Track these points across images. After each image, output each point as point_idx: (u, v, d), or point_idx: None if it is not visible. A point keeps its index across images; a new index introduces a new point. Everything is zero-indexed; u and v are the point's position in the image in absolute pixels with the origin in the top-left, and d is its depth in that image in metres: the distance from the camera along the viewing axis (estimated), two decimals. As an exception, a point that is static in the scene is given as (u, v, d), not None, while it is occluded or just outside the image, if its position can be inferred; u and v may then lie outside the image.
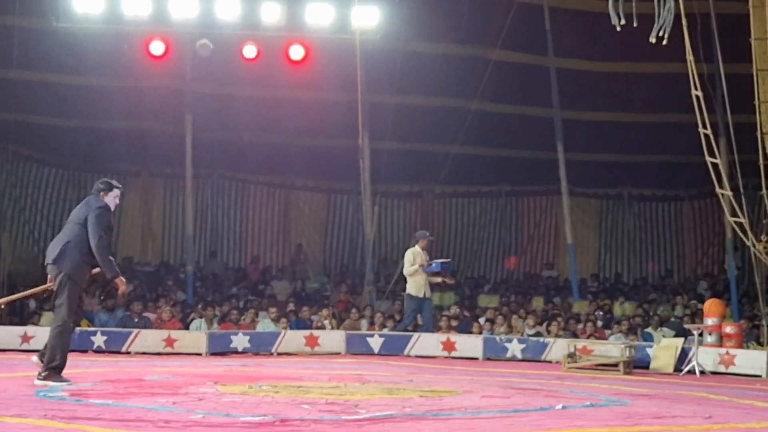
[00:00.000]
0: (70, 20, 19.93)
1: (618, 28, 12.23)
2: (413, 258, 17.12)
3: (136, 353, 16.24)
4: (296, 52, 20.60)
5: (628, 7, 13.86)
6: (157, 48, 20.34)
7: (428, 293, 17.35)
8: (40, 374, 9.81)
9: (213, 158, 23.74)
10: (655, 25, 12.05)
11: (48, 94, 21.95)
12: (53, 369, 9.82)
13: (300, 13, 20.31)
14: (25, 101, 21.33)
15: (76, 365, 13.09)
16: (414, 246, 17.43)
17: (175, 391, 9.21)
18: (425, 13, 21.87)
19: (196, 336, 17.14)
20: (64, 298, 9.92)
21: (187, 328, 18.14)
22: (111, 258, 10.42)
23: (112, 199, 10.55)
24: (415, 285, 17.12)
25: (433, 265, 17.36)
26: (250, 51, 20.49)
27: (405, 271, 17.17)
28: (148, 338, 16.73)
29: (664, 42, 12.41)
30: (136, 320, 18.19)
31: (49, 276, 10.18)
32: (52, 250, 10.11)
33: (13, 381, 10.25)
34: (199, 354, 16.45)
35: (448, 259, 18.61)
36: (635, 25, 12.33)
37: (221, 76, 21.81)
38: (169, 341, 16.68)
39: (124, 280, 10.49)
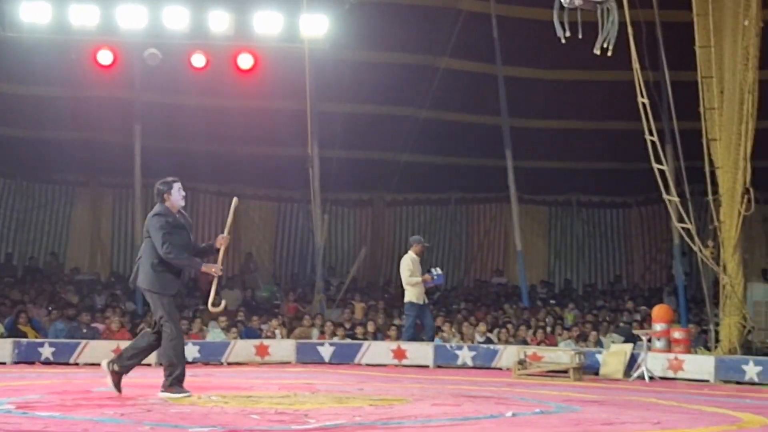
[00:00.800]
0: (17, 29, 19.76)
1: (563, 40, 12.26)
2: (412, 266, 16.79)
3: (85, 364, 16.05)
4: (245, 61, 20.52)
5: (573, 17, 13.97)
6: (104, 57, 20.18)
7: (426, 299, 17.15)
8: (163, 386, 9.85)
9: (162, 167, 23.40)
10: (599, 37, 12.11)
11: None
12: (175, 379, 9.83)
13: (248, 21, 20.26)
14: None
15: (23, 377, 12.94)
16: (408, 252, 17.10)
17: (124, 402, 9.10)
18: (374, 22, 21.89)
19: (146, 346, 16.96)
20: (162, 312, 9.89)
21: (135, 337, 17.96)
22: (185, 257, 10.29)
23: (176, 195, 10.51)
24: (416, 292, 16.76)
25: (435, 278, 17.18)
26: (198, 60, 20.39)
27: (406, 282, 16.74)
28: (96, 349, 16.50)
29: (609, 53, 12.48)
30: (84, 331, 17.98)
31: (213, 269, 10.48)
32: (134, 272, 10.21)
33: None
34: (149, 365, 16.27)
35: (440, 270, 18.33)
36: (580, 36, 12.40)
37: (170, 85, 21.66)
38: (118, 351, 16.48)
39: (211, 267, 10.55)
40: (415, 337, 17.10)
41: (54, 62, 20.67)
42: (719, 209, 16.63)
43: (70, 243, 24.42)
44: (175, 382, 9.81)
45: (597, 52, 12.27)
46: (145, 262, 10.03)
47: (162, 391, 9.78)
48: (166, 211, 10.34)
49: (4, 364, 15.79)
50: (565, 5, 11.81)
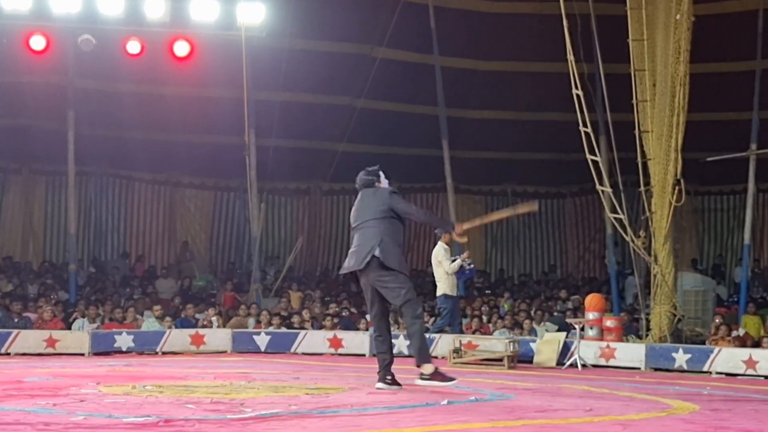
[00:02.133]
0: (-54, 13, 19.38)
1: None
2: (445, 254, 16.53)
3: (16, 354, 15.87)
4: (181, 48, 20.32)
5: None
6: (37, 43, 19.84)
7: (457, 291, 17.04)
8: (422, 375, 9.71)
9: (96, 155, 23.27)
10: None
11: None
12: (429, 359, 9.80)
13: (184, 8, 20.06)
14: None
15: (-48, 368, 12.74)
16: (438, 243, 16.79)
17: (56, 392, 8.99)
18: (311, 11, 21.87)
19: (79, 336, 16.84)
20: (410, 293, 9.67)
21: (69, 327, 17.80)
22: (437, 217, 10.23)
23: (385, 182, 10.21)
24: (451, 284, 16.59)
25: (467, 271, 17.14)
26: (133, 47, 20.15)
27: (448, 270, 16.40)
28: (28, 339, 16.37)
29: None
30: (16, 320, 17.77)
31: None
32: (359, 257, 9.70)
33: None
34: (82, 354, 16.15)
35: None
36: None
37: (104, 71, 21.42)
38: (51, 342, 16.35)
39: (461, 225, 10.24)
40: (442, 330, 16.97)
41: (-16, 48, 20.36)
42: (651, 200, 16.88)
43: (2, 231, 24.05)
44: (430, 364, 9.77)
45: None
46: (390, 242, 9.63)
47: (424, 378, 9.71)
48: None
49: (-67, 354, 15.56)
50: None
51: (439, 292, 16.80)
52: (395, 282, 9.65)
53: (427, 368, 9.81)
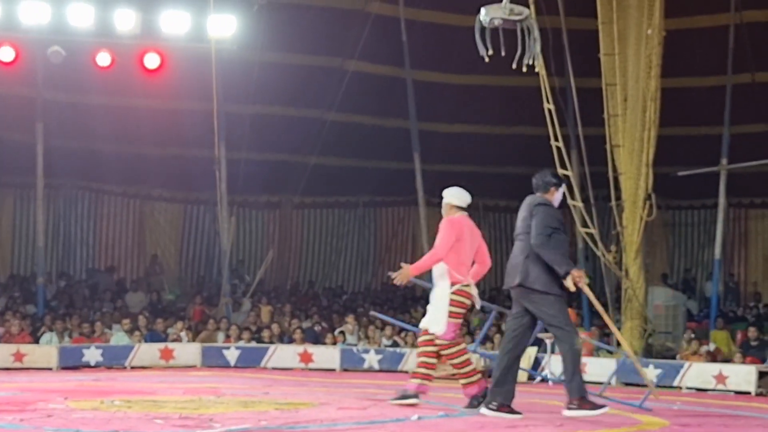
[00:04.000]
0: None
1: (486, 59, 12.39)
2: None
3: (-17, 369, 15.76)
4: (151, 61, 20.28)
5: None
6: (5, 54, 19.75)
7: None
8: (571, 405, 8.82)
9: (66, 168, 23.16)
10: (523, 53, 12.26)
11: None
12: (583, 391, 8.84)
13: (155, 20, 20.05)
14: None
15: None
16: None
17: (23, 407, 8.95)
18: (282, 23, 21.86)
19: (47, 350, 16.75)
20: (561, 317, 8.96)
21: (37, 342, 17.69)
22: (560, 254, 8.95)
23: (558, 196, 9.38)
24: None
25: None
26: (103, 59, 20.09)
27: None
28: (-5, 353, 16.27)
29: (536, 69, 12.65)
30: (-18, 335, 17.66)
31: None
32: (513, 273, 9.12)
33: None
34: (50, 369, 16.05)
35: None
36: (503, 54, 12.53)
37: (74, 83, 21.32)
38: (18, 356, 16.26)
39: (577, 272, 8.89)
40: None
41: (-48, 59, 20.25)
42: (622, 214, 16.96)
43: (-31, 244, 23.94)
44: (585, 395, 8.83)
45: (515, 66, 12.41)
46: (536, 260, 8.90)
47: (570, 410, 8.83)
48: (551, 204, 9.26)
49: None
50: (486, 25, 11.90)
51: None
52: (545, 304, 9.02)
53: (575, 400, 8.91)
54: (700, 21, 21.77)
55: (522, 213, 9.30)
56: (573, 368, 8.88)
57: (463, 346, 9.99)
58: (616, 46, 16.72)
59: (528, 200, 9.32)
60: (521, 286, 9.01)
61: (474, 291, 9.88)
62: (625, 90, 16.83)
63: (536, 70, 12.43)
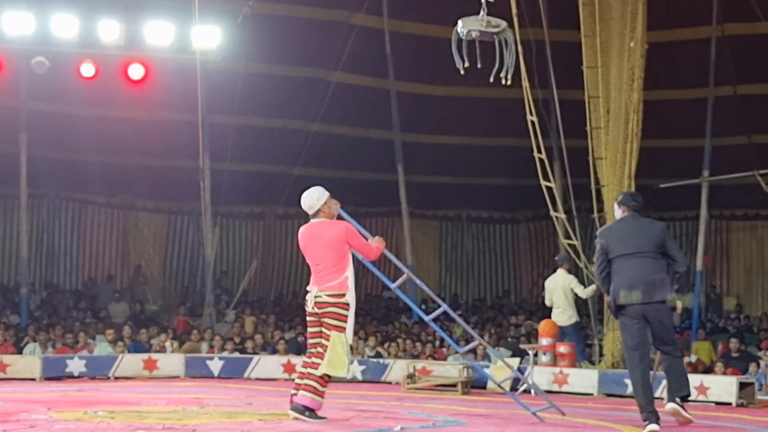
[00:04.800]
0: None
1: (462, 71, 12.42)
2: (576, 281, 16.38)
3: (-34, 379, 15.68)
4: (135, 71, 20.24)
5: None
6: (-10, 65, 19.79)
7: None
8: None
9: (50, 178, 23.14)
10: (498, 66, 12.31)
11: None
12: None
13: (139, 31, 20.02)
14: None
15: None
16: (560, 271, 16.65)
17: (6, 418, 8.91)
18: (267, 35, 21.89)
19: (30, 360, 16.66)
20: (673, 332, 9.45)
21: (20, 352, 17.62)
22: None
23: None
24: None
25: None
26: (87, 69, 20.05)
27: (584, 294, 16.36)
28: (-22, 363, 16.19)
29: (508, 83, 12.65)
30: (-35, 345, 17.58)
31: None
32: (651, 290, 9.05)
33: None
34: (33, 379, 15.98)
35: None
36: (479, 66, 12.57)
37: (58, 94, 21.32)
38: (1, 366, 16.16)
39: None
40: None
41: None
42: (605, 225, 16.99)
43: (-47, 254, 23.88)
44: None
45: (492, 80, 12.45)
46: (668, 279, 9.12)
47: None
48: None
49: None
50: (463, 37, 11.91)
51: (570, 321, 16.51)
52: (670, 320, 9.52)
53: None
54: (682, 34, 21.91)
55: (642, 230, 9.36)
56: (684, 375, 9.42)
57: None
58: (599, 59, 16.76)
59: (645, 221, 9.55)
60: (663, 302, 9.16)
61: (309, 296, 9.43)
62: (607, 102, 16.87)
63: (508, 83, 12.40)
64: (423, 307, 23.73)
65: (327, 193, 9.87)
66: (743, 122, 22.86)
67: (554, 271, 17.07)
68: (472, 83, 22.82)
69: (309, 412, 8.90)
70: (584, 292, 16.42)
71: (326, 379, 9.10)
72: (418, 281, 10.87)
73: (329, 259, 9.40)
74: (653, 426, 8.75)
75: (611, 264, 9.27)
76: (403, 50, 22.46)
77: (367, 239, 9.74)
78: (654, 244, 9.16)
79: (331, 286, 9.24)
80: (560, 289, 16.33)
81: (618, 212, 9.55)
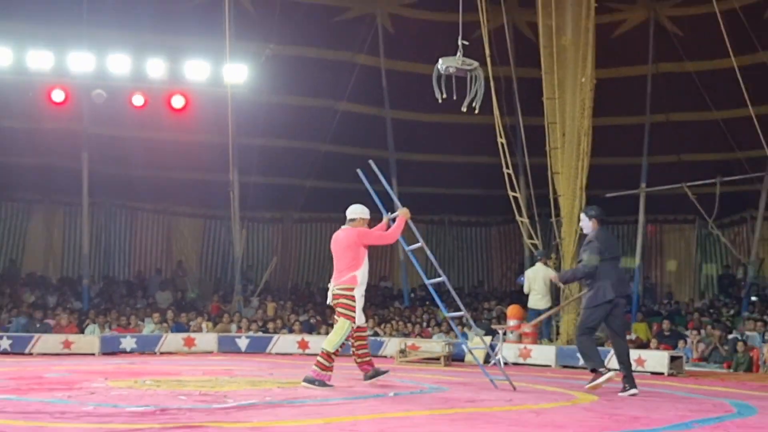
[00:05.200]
0: (-19, 70, 19.28)
1: (440, 101, 12.46)
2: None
3: (38, 354, 15.68)
4: (177, 101, 20.32)
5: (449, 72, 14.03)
6: (57, 96, 19.79)
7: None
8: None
9: (106, 189, 23.12)
10: (468, 97, 12.32)
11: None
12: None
13: (181, 68, 20.11)
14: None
15: (-17, 366, 12.56)
16: (540, 263, 16.42)
17: (71, 386, 8.92)
18: (285, 71, 21.91)
19: (90, 339, 16.68)
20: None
21: (82, 332, 17.63)
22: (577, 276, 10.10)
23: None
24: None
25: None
26: (138, 100, 20.12)
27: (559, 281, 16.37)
28: (48, 341, 16.20)
29: (476, 111, 12.67)
30: (37, 326, 17.57)
31: None
32: (624, 284, 9.93)
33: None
34: (93, 354, 16.00)
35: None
36: (455, 98, 12.60)
37: (113, 120, 21.30)
38: (67, 344, 16.19)
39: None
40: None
41: (13, 99, 20.18)
42: (560, 229, 16.99)
43: (27, 251, 23.83)
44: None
45: (464, 109, 12.46)
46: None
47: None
48: (593, 237, 9.84)
49: (-33, 354, 15.33)
50: (442, 72, 11.97)
51: (546, 305, 16.20)
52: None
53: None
54: (624, 71, 21.96)
55: (613, 239, 10.12)
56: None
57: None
58: (556, 92, 16.78)
59: (608, 231, 10.05)
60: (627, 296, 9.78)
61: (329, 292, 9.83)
62: (563, 127, 16.88)
63: (476, 111, 12.40)
64: (412, 294, 23.98)
65: (366, 213, 10.29)
66: (674, 144, 22.89)
67: (533, 264, 17.08)
68: (454, 112, 22.83)
69: (318, 381, 9.10)
70: (542, 281, 16.36)
71: (332, 356, 9.30)
72: (444, 278, 10.72)
73: (345, 259, 9.75)
74: (611, 373, 9.51)
75: (603, 262, 9.52)
76: (396, 84, 22.48)
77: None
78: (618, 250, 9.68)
79: (343, 281, 9.62)
80: (540, 278, 16.28)
81: (588, 223, 9.74)
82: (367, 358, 9.80)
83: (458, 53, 11.64)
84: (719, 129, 21.71)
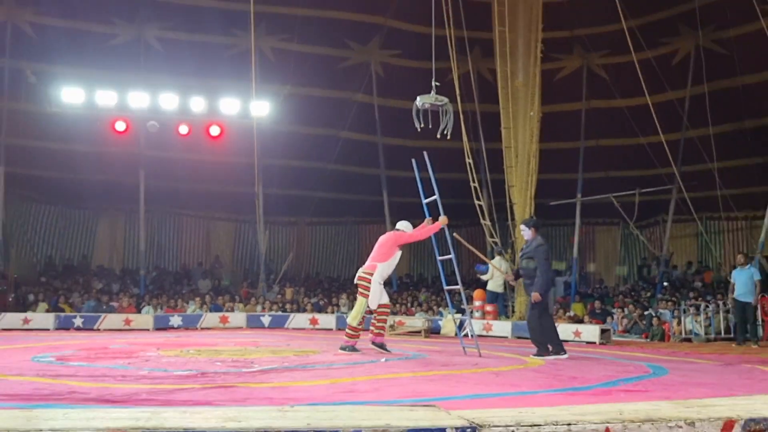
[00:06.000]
0: (60, 106, 19.26)
1: (419, 130, 12.48)
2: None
3: (104, 330, 15.62)
4: (214, 130, 20.33)
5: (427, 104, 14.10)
6: (120, 126, 19.79)
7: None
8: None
9: (158, 199, 23.07)
10: (440, 127, 12.36)
11: (46, 156, 21.05)
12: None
13: (217, 104, 20.12)
14: (31, 161, 20.50)
15: (61, 339, 12.51)
16: (499, 256, 16.44)
17: (130, 355, 8.89)
18: (299, 106, 21.94)
19: (146, 317, 16.65)
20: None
21: (139, 311, 17.57)
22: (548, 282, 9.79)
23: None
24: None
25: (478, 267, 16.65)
26: (183, 129, 20.12)
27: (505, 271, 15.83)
28: (112, 319, 16.16)
29: (448, 137, 12.69)
30: (104, 307, 17.51)
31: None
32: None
33: (14, 351, 9.67)
34: (147, 329, 15.95)
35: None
36: (430, 126, 12.62)
37: (164, 145, 21.27)
38: (127, 321, 16.15)
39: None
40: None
41: (84, 128, 20.15)
42: (515, 230, 17.04)
43: (96, 248, 23.74)
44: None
45: (438, 136, 12.50)
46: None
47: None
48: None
49: (48, 330, 15.25)
50: (419, 107, 12.04)
51: (501, 289, 16.33)
52: None
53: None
54: (564, 107, 22.03)
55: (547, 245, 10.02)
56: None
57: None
58: (511, 122, 16.84)
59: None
60: None
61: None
62: (516, 150, 16.94)
63: (448, 137, 12.44)
64: (399, 281, 23.93)
65: (410, 228, 10.42)
66: (603, 163, 22.96)
67: (493, 257, 17.13)
68: (432, 138, 22.89)
69: (348, 347, 9.46)
70: (505, 269, 16.34)
71: (356, 328, 9.59)
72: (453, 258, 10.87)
73: (377, 252, 9.88)
74: (566, 354, 9.45)
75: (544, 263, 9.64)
76: (386, 117, 22.48)
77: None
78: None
79: (367, 266, 9.78)
80: (498, 269, 16.38)
81: (529, 231, 9.78)
82: (378, 331, 9.72)
83: (432, 92, 11.65)
84: (638, 151, 21.79)
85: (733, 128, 20.11)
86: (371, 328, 9.81)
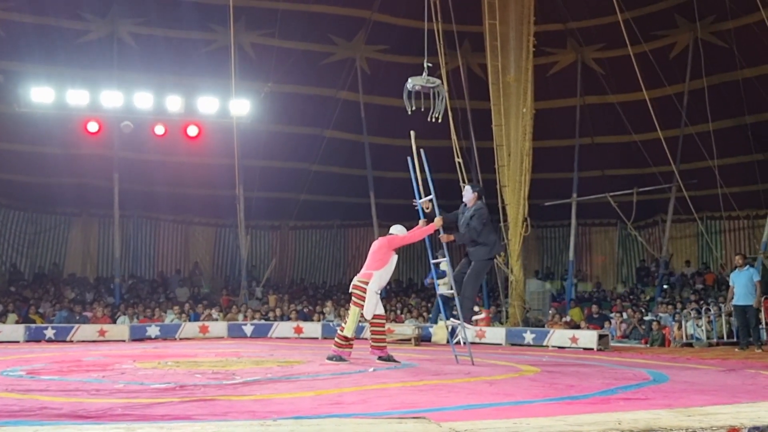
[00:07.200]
0: (29, 107, 19.13)
1: (409, 112, 12.47)
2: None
3: (77, 341, 15.51)
4: (192, 131, 20.25)
5: (417, 104, 14.08)
6: (92, 127, 19.68)
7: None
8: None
9: (133, 203, 22.98)
10: (432, 110, 12.34)
11: (15, 158, 20.91)
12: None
13: (194, 103, 20.04)
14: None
15: (31, 351, 12.40)
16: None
17: (105, 368, 8.81)
18: (281, 105, 21.92)
19: (121, 328, 16.54)
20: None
21: (114, 321, 17.47)
22: (471, 237, 9.90)
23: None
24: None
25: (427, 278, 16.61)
26: (159, 129, 20.04)
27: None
28: (86, 330, 16.04)
29: (440, 121, 12.70)
30: (77, 317, 17.40)
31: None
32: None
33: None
34: (123, 340, 15.85)
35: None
36: (422, 110, 12.62)
37: (139, 146, 21.21)
38: (102, 332, 16.04)
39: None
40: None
41: (55, 130, 20.04)
42: (508, 231, 17.09)
43: (68, 256, 23.60)
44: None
45: (431, 119, 12.49)
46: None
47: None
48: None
49: (18, 342, 15.13)
50: (410, 89, 11.97)
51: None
52: None
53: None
54: (557, 103, 22.14)
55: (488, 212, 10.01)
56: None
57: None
58: (503, 120, 16.90)
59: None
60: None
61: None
62: (509, 149, 17.01)
63: (440, 121, 12.41)
64: (388, 287, 23.91)
65: (403, 231, 10.39)
66: (599, 161, 23.08)
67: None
68: (420, 137, 23.01)
69: (336, 357, 9.39)
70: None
71: (347, 338, 9.58)
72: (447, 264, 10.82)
73: (372, 259, 9.84)
74: (482, 314, 9.67)
75: (485, 227, 9.74)
76: (372, 115, 22.50)
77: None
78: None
79: (362, 275, 9.74)
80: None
81: (471, 196, 9.91)
82: (379, 344, 9.68)
83: (423, 73, 11.64)
84: (635, 149, 21.91)
85: (733, 124, 20.28)
86: (370, 342, 9.73)
